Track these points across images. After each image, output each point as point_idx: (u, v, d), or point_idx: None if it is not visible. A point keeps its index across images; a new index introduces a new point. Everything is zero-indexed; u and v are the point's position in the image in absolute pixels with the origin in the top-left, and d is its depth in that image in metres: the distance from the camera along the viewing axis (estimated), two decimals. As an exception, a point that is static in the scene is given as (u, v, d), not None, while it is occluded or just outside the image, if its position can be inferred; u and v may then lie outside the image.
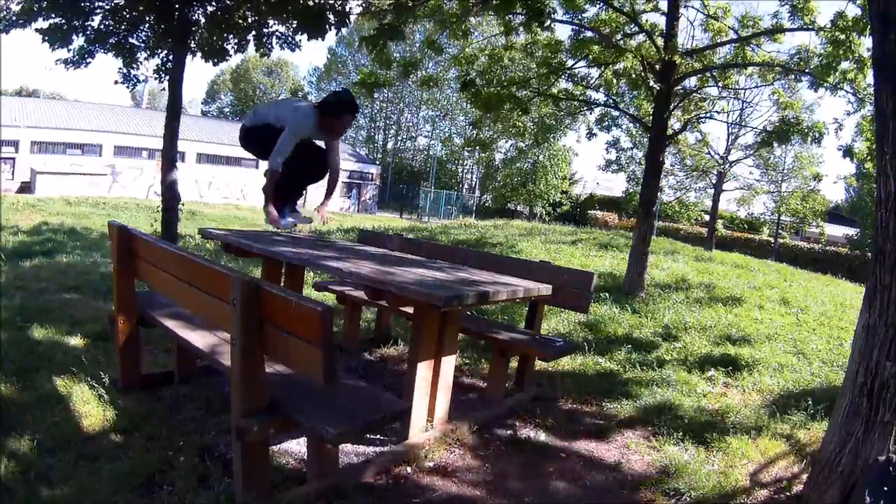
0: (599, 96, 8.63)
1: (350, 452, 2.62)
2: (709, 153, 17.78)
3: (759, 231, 25.65)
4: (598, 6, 7.11)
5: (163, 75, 8.28)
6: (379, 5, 6.69)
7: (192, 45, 7.91)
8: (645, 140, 7.43)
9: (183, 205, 8.22)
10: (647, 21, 7.07)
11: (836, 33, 5.69)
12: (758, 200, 21.74)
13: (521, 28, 7.12)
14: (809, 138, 7.02)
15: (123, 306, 2.91)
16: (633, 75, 7.07)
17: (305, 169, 3.70)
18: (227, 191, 29.85)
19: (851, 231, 25.72)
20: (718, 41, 7.25)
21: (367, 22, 6.83)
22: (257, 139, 3.58)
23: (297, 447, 2.61)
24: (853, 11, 5.73)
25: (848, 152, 6.37)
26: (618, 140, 21.65)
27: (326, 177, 3.88)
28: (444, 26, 6.87)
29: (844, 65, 5.99)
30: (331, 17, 7.18)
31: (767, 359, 4.55)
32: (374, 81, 7.69)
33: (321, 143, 3.79)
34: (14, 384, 2.81)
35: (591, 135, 9.97)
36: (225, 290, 2.00)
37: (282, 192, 3.67)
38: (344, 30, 7.65)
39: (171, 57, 7.93)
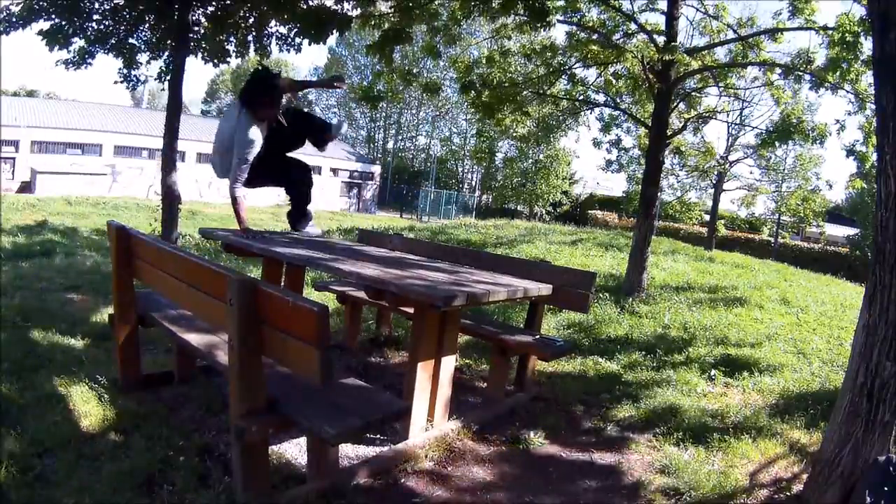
0: (599, 97, 8.62)
1: (350, 452, 2.63)
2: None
3: (759, 231, 25.62)
4: (595, 6, 7.09)
5: (163, 75, 8.28)
6: (378, 10, 6.62)
7: (193, 45, 7.90)
8: (646, 140, 7.38)
9: (182, 204, 8.21)
10: (646, 21, 7.07)
11: (842, 34, 5.67)
12: (759, 200, 21.70)
13: (520, 29, 7.07)
14: (811, 139, 7.02)
15: (123, 306, 2.91)
16: (633, 76, 7.05)
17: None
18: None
19: (851, 231, 25.67)
20: (718, 40, 7.24)
21: (368, 27, 6.73)
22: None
23: (296, 447, 2.61)
24: (856, 12, 5.72)
25: (851, 152, 6.37)
26: (619, 140, 21.54)
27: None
28: (440, 31, 6.80)
29: (845, 65, 5.97)
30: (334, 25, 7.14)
31: (768, 359, 4.55)
32: (376, 95, 7.52)
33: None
34: (14, 384, 2.81)
35: (597, 143, 10.07)
36: (223, 290, 2.00)
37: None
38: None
39: (171, 57, 7.92)
